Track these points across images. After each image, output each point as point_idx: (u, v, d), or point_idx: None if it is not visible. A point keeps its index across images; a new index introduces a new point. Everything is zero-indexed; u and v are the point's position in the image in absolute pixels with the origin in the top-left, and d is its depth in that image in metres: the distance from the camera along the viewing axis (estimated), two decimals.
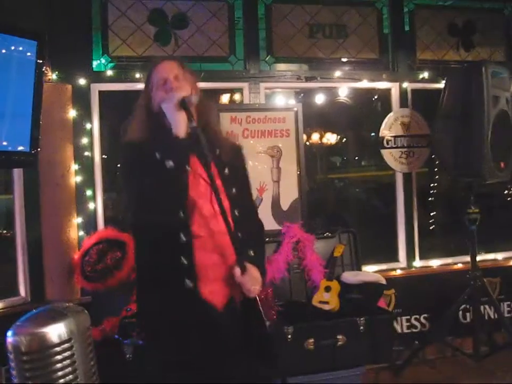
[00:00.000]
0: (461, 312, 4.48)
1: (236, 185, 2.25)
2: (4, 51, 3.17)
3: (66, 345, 1.76)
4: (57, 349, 1.73)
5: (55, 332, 1.75)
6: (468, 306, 4.36)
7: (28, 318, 1.82)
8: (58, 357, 1.73)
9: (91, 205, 3.93)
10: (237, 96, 4.94)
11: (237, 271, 2.11)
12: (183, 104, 2.05)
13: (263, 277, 2.24)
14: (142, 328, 2.30)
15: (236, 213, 2.20)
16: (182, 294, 2.10)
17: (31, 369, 1.70)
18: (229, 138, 2.43)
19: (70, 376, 1.73)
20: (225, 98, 5.14)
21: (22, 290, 3.74)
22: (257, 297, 2.17)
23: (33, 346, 1.73)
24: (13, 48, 3.21)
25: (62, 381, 1.67)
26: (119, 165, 2.25)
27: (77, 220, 3.89)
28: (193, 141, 2.06)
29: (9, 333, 1.75)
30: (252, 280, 2.14)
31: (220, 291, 2.17)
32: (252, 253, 2.24)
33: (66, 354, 1.75)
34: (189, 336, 2.09)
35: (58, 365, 1.72)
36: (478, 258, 4.20)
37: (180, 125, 2.04)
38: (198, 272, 2.10)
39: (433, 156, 4.58)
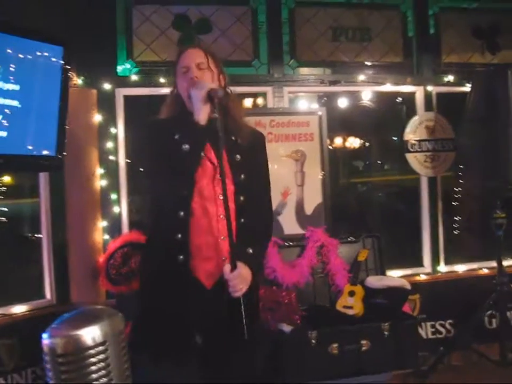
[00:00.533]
0: (486, 318, 4.42)
1: (246, 172, 2.30)
2: (30, 57, 3.21)
3: (100, 348, 1.77)
4: (92, 351, 1.75)
5: (90, 334, 1.77)
6: (493, 312, 4.30)
7: (63, 320, 1.84)
8: (93, 360, 1.75)
9: (116, 209, 3.96)
10: (259, 100, 4.95)
11: (227, 267, 2.14)
12: (209, 95, 2.14)
13: (256, 276, 2.27)
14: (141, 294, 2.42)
15: (241, 198, 2.26)
16: (174, 268, 2.19)
17: (67, 371, 1.72)
18: (250, 126, 2.47)
19: (104, 379, 1.75)
20: (248, 103, 5.13)
21: (48, 293, 3.78)
22: (241, 299, 2.17)
23: (69, 348, 1.75)
24: (39, 53, 3.26)
25: (96, 383, 1.69)
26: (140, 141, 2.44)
27: (102, 224, 3.93)
28: (211, 129, 2.15)
29: (44, 335, 1.77)
30: (239, 279, 2.16)
31: (210, 271, 2.24)
32: (250, 250, 2.26)
33: (100, 357, 1.76)
34: (176, 311, 2.19)
35: (93, 368, 1.74)
36: (505, 263, 4.14)
37: (202, 113, 2.15)
38: (191, 249, 2.20)
39: (458, 160, 4.53)
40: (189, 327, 2.22)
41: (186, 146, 2.11)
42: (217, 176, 2.22)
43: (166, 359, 2.20)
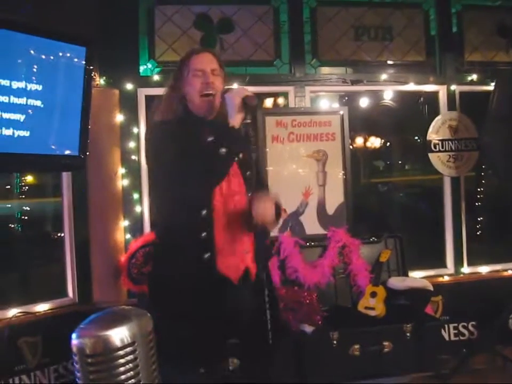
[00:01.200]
0: (511, 321, 4.36)
1: (249, 169, 2.37)
2: (53, 57, 3.23)
3: (129, 348, 1.78)
4: (121, 352, 1.76)
5: (119, 335, 1.78)
6: None
7: (91, 320, 1.86)
8: (122, 360, 1.76)
9: (138, 208, 3.97)
10: (281, 100, 4.94)
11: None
12: (244, 102, 2.19)
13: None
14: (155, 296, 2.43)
15: (249, 194, 2.32)
16: (199, 268, 2.23)
17: (96, 371, 1.74)
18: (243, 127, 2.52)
19: (133, 380, 1.76)
20: (269, 102, 5.13)
21: (70, 292, 3.81)
22: (266, 306, 2.26)
23: (98, 349, 1.76)
24: (62, 54, 3.28)
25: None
26: (147, 143, 2.39)
27: (124, 223, 3.94)
28: (241, 133, 2.24)
29: (73, 335, 1.79)
30: (263, 204, 2.20)
31: (235, 265, 2.30)
32: None
33: (129, 357, 1.77)
34: (202, 307, 2.21)
35: (122, 368, 1.75)
36: None
37: (238, 118, 2.21)
38: (215, 245, 2.24)
39: (481, 160, 4.47)
40: (222, 326, 2.24)
41: (223, 150, 2.14)
42: (231, 174, 2.30)
43: (200, 362, 2.23)
